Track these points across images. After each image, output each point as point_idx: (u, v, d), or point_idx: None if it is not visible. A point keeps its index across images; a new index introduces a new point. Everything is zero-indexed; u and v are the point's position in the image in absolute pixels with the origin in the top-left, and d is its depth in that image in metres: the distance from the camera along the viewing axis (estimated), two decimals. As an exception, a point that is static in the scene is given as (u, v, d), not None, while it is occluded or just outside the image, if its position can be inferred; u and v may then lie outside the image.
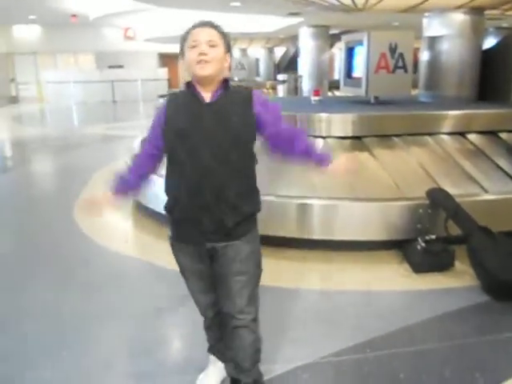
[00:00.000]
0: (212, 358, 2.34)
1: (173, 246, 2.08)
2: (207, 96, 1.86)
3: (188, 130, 1.84)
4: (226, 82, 1.89)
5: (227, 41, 1.89)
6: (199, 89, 1.87)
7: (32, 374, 2.43)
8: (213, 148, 1.83)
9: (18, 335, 2.80)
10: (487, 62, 5.67)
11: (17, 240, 4.52)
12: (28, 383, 2.37)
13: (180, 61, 1.92)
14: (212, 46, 1.81)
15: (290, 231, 3.87)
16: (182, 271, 2.11)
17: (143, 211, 4.91)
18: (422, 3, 5.39)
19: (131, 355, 2.64)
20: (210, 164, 1.82)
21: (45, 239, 4.44)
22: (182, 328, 2.96)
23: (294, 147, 2.01)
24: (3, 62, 21.75)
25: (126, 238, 4.62)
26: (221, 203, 1.87)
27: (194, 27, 1.86)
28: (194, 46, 1.81)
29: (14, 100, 22.09)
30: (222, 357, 2.32)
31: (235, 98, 1.90)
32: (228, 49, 1.89)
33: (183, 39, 1.87)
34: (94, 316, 3.02)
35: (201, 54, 1.79)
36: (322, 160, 2.06)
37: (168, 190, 1.99)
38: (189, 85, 1.90)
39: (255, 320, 2.04)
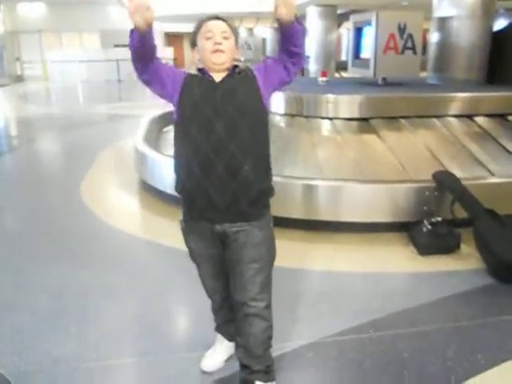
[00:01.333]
0: (219, 336, 2.38)
1: (184, 230, 2.07)
2: (218, 78, 1.95)
3: (200, 102, 1.90)
4: (234, 67, 1.98)
5: (236, 34, 2.01)
6: (212, 73, 1.95)
7: (43, 349, 2.47)
8: (224, 120, 1.86)
9: (28, 312, 2.83)
10: (497, 44, 5.61)
11: (24, 219, 4.57)
12: (39, 357, 2.41)
13: (192, 50, 2.03)
14: (225, 38, 1.93)
15: (295, 212, 3.88)
16: (193, 256, 2.11)
17: (149, 191, 4.93)
18: (432, -17, 5.32)
19: (138, 332, 2.66)
20: (222, 137, 1.85)
21: (52, 218, 4.47)
22: (189, 306, 2.99)
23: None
24: (8, 41, 21.64)
25: (133, 216, 4.65)
26: (233, 178, 1.87)
27: (208, 19, 1.97)
28: (209, 37, 1.92)
29: (20, 79, 22.06)
30: (228, 337, 2.35)
31: (243, 77, 1.98)
32: (236, 39, 2.00)
33: (196, 30, 1.99)
34: (101, 293, 3.06)
35: (216, 43, 1.91)
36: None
37: (179, 168, 1.98)
38: (202, 70, 1.99)
39: (268, 307, 2.02)
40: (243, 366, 2.08)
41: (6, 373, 2.28)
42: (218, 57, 1.91)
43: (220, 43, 1.91)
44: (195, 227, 2.01)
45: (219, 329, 2.36)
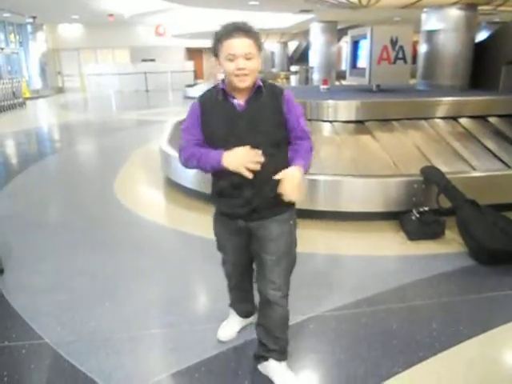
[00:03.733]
0: (232, 310, 2.40)
1: (214, 221, 2.05)
2: (241, 102, 1.77)
3: (224, 136, 1.77)
4: (258, 87, 1.77)
5: (260, 44, 1.72)
6: (234, 94, 1.77)
7: (81, 322, 2.52)
8: (246, 133, 1.75)
9: (68, 291, 2.88)
10: (479, 53, 5.54)
11: (64, 211, 4.64)
12: (78, 328, 2.46)
13: (213, 59, 1.78)
14: (248, 59, 1.68)
15: (300, 203, 3.87)
16: (219, 243, 2.08)
17: (173, 186, 4.96)
18: (419, 0, 5.27)
19: (163, 307, 2.70)
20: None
21: (89, 210, 4.52)
22: (207, 285, 3.02)
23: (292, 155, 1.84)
24: (50, 57, 21.84)
25: (159, 208, 4.69)
26: (256, 196, 1.81)
27: (229, 35, 1.67)
28: (231, 60, 1.68)
29: (61, 90, 22.26)
30: (240, 313, 2.37)
31: (266, 98, 1.78)
32: (260, 49, 1.73)
33: (217, 43, 1.71)
34: (131, 274, 3.10)
35: (239, 69, 1.68)
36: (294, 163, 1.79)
37: (214, 181, 1.91)
38: (223, 90, 1.78)
39: (285, 297, 1.97)
40: (261, 344, 2.06)
41: (50, 342, 2.34)
42: (241, 81, 1.70)
43: (244, 68, 1.67)
44: (223, 220, 1.98)
45: (232, 305, 2.38)
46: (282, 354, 2.04)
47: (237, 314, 2.38)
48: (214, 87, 1.85)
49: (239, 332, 2.37)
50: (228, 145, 1.73)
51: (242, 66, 1.67)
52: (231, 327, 2.37)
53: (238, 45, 1.66)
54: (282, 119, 1.80)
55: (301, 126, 1.84)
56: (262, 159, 1.70)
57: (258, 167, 1.69)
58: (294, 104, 1.84)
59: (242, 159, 1.70)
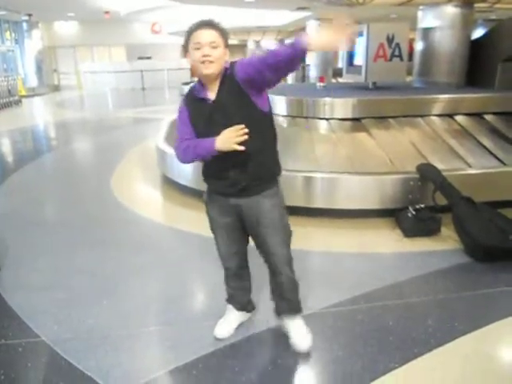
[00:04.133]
0: (230, 306, 2.41)
1: (206, 201, 2.15)
2: (213, 92, 1.89)
3: (205, 131, 1.90)
4: (223, 73, 1.88)
5: (226, 37, 1.87)
6: (206, 84, 1.90)
7: (79, 319, 2.53)
8: (224, 121, 1.84)
9: (65, 289, 2.88)
10: (475, 51, 5.56)
11: (62, 208, 4.63)
12: (76, 326, 2.46)
13: (185, 55, 1.90)
14: (214, 48, 1.81)
15: (296, 201, 3.90)
16: (212, 224, 2.17)
17: (169, 184, 4.96)
18: (416, -3, 5.28)
19: (161, 305, 2.71)
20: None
21: (86, 207, 4.52)
22: (204, 282, 3.03)
23: (281, 60, 1.73)
24: (46, 55, 21.73)
25: (155, 206, 4.69)
26: (242, 175, 1.95)
27: (197, 28, 1.83)
28: (197, 48, 1.82)
29: (57, 88, 22.16)
30: (238, 306, 2.39)
31: (230, 83, 1.86)
32: (226, 44, 1.87)
33: (187, 37, 1.86)
34: (129, 272, 3.10)
35: (204, 55, 1.81)
36: (298, 43, 1.67)
37: (204, 167, 2.08)
38: (199, 84, 1.93)
39: (287, 264, 2.15)
40: (277, 305, 2.30)
41: (47, 340, 2.34)
42: (206, 68, 1.82)
43: (208, 55, 1.80)
44: (215, 199, 2.09)
45: (230, 299, 2.39)
46: (295, 311, 2.26)
47: (234, 307, 2.39)
48: (193, 86, 1.98)
49: (236, 329, 2.38)
50: (211, 135, 1.85)
51: (206, 52, 1.81)
52: (228, 324, 2.38)
53: (203, 34, 1.81)
54: (247, 97, 1.86)
55: (256, 59, 1.80)
56: (246, 130, 1.78)
57: (245, 137, 1.78)
58: (245, 66, 1.84)
59: (229, 137, 1.80)
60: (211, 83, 1.89)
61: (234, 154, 1.82)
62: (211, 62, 1.81)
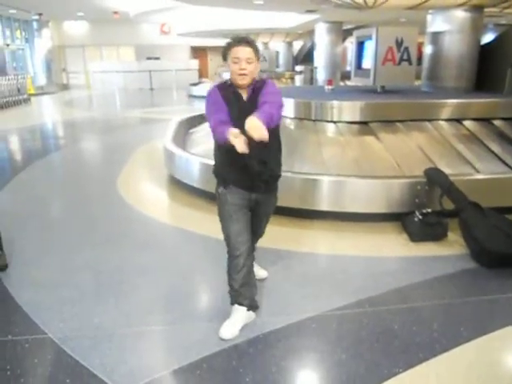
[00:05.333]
0: (235, 307, 2.43)
1: (223, 192, 2.37)
2: (244, 94, 2.27)
3: (238, 119, 2.11)
4: (254, 84, 2.26)
5: (258, 53, 2.25)
6: (238, 89, 2.26)
7: (85, 317, 2.55)
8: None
9: (72, 287, 2.91)
10: (485, 55, 5.54)
11: (69, 207, 4.66)
12: (82, 324, 2.48)
13: (224, 62, 2.27)
14: (249, 63, 2.19)
15: (303, 203, 3.91)
16: (228, 211, 2.36)
17: (176, 184, 4.99)
18: (425, 1, 5.27)
19: (166, 304, 2.72)
20: (252, 144, 2.02)
21: (93, 206, 4.56)
22: (209, 282, 3.04)
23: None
24: (56, 54, 21.89)
25: (161, 206, 4.71)
26: (265, 172, 2.33)
27: (236, 44, 2.19)
28: (235, 62, 2.19)
29: (65, 87, 22.31)
30: (246, 302, 2.42)
31: (258, 89, 2.26)
32: (258, 58, 2.24)
33: (227, 49, 2.22)
34: (134, 271, 3.12)
35: (241, 69, 2.19)
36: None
37: (223, 159, 2.34)
38: (231, 85, 2.28)
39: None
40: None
41: (53, 337, 2.36)
42: (242, 79, 2.21)
43: (245, 69, 2.18)
44: (235, 192, 2.35)
45: (237, 298, 2.41)
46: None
47: (243, 304, 2.41)
48: (224, 82, 2.33)
49: (241, 330, 2.38)
50: (238, 125, 2.06)
51: (243, 67, 2.20)
52: (233, 325, 2.39)
53: (242, 51, 2.20)
54: None
55: (266, 99, 2.17)
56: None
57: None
58: (270, 90, 2.26)
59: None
60: (242, 89, 2.26)
61: (258, 152, 2.14)
62: (245, 74, 2.20)
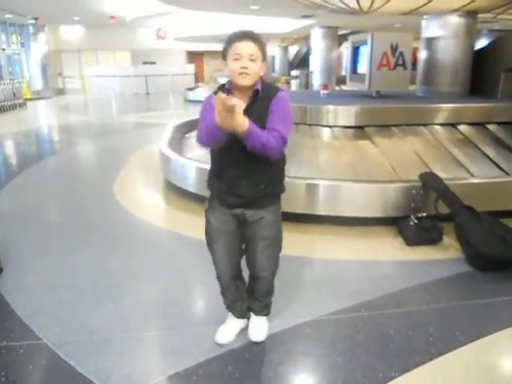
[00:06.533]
0: (230, 313, 2.42)
1: (207, 209, 2.16)
2: (243, 100, 1.85)
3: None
4: (256, 91, 1.92)
5: (264, 51, 1.89)
6: (235, 92, 1.91)
7: (81, 322, 2.53)
8: (244, 147, 1.84)
9: (68, 290, 2.90)
10: (479, 60, 5.58)
11: (65, 212, 4.64)
12: (77, 329, 2.46)
13: (222, 62, 1.93)
14: (252, 60, 1.84)
15: (299, 208, 3.91)
16: (211, 231, 2.16)
17: (172, 189, 4.98)
18: (420, 7, 5.31)
19: (162, 309, 2.71)
20: (244, 160, 1.92)
21: (89, 211, 4.54)
22: (206, 287, 3.01)
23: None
24: (51, 59, 21.88)
25: (157, 210, 4.71)
26: (253, 188, 2.00)
27: (238, 39, 1.85)
28: (236, 59, 1.84)
29: (61, 92, 22.29)
30: (238, 314, 2.40)
31: (265, 98, 1.91)
32: (264, 57, 1.90)
33: (227, 46, 1.87)
34: (130, 275, 3.11)
35: (243, 67, 1.84)
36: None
37: (214, 172, 2.09)
38: (228, 89, 1.93)
39: (273, 275, 2.26)
40: (250, 307, 2.39)
41: (49, 342, 2.35)
42: (243, 79, 1.86)
43: (246, 67, 1.83)
44: (219, 207, 2.10)
45: (229, 308, 2.40)
46: (267, 313, 2.40)
47: (234, 316, 2.41)
48: (222, 85, 1.99)
49: (237, 335, 2.38)
50: (230, 141, 1.85)
51: (245, 64, 1.84)
52: (229, 330, 2.38)
53: (244, 47, 1.84)
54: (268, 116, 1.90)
55: (275, 126, 1.86)
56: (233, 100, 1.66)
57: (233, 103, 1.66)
58: (282, 104, 1.92)
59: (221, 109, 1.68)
60: (242, 93, 1.91)
61: (246, 166, 1.94)
62: (248, 74, 1.85)
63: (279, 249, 2.21)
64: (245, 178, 1.98)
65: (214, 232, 2.16)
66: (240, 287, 2.35)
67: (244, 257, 2.25)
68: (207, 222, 2.17)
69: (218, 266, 2.25)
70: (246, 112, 1.78)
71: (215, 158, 2.07)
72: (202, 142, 1.94)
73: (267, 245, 2.13)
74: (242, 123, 1.70)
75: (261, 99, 1.91)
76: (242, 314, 2.42)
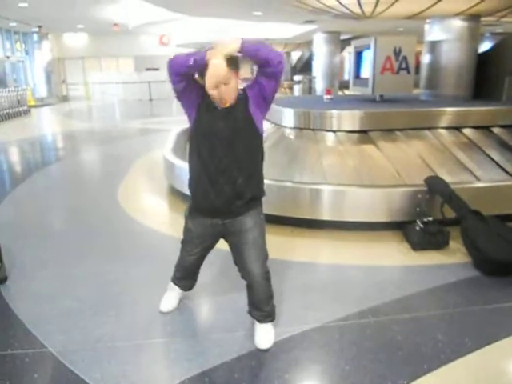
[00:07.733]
0: (172, 285, 2.66)
1: (187, 216, 2.32)
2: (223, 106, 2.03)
3: (209, 131, 2.05)
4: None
5: (237, 65, 1.95)
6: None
7: (85, 330, 2.52)
8: (224, 144, 2.01)
9: (73, 298, 2.88)
10: (482, 64, 5.57)
11: (69, 219, 4.64)
12: (82, 337, 2.45)
13: (199, 78, 1.99)
14: (226, 84, 1.92)
15: (304, 213, 3.89)
16: (187, 235, 2.35)
17: (176, 194, 4.97)
18: (423, 11, 5.31)
19: (166, 316, 2.67)
20: (222, 158, 2.02)
21: (93, 218, 4.53)
22: (209, 295, 2.99)
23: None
24: (55, 66, 21.99)
25: (162, 216, 4.70)
26: (230, 189, 2.07)
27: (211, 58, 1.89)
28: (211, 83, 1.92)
29: (65, 98, 22.37)
30: (183, 287, 2.65)
31: (240, 100, 2.03)
32: (238, 68, 1.96)
33: (204, 69, 1.91)
34: (134, 283, 3.10)
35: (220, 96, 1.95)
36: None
37: (191, 174, 2.19)
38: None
39: (264, 278, 2.26)
40: (252, 314, 2.39)
41: (53, 350, 2.33)
42: (222, 103, 1.98)
43: (223, 96, 1.94)
44: (198, 216, 2.23)
45: (177, 281, 2.63)
46: (270, 320, 2.38)
47: (180, 289, 2.65)
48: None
49: (243, 342, 2.36)
50: (209, 140, 2.04)
51: (222, 93, 1.96)
52: (170, 301, 2.66)
53: (216, 72, 1.91)
54: (250, 117, 2.02)
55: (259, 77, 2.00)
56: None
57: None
58: (249, 87, 2.04)
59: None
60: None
61: (226, 175, 2.04)
62: (225, 99, 1.97)
63: (265, 252, 2.25)
64: (225, 188, 2.07)
65: (190, 235, 2.34)
66: (197, 271, 2.56)
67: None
68: (185, 227, 2.35)
69: (186, 258, 2.45)
70: (226, 110, 1.99)
71: (193, 166, 2.16)
72: (172, 61, 1.95)
73: (249, 248, 2.19)
74: (235, 42, 1.84)
75: (241, 102, 2.02)
76: (188, 288, 2.63)
